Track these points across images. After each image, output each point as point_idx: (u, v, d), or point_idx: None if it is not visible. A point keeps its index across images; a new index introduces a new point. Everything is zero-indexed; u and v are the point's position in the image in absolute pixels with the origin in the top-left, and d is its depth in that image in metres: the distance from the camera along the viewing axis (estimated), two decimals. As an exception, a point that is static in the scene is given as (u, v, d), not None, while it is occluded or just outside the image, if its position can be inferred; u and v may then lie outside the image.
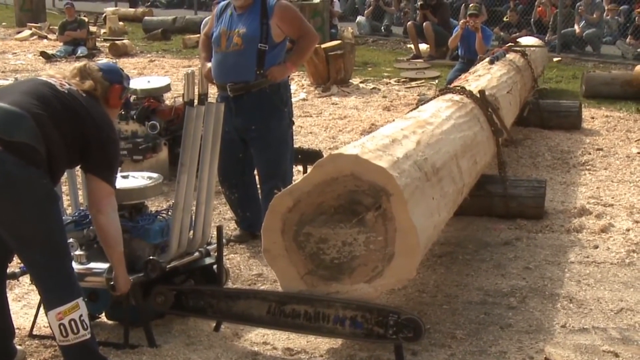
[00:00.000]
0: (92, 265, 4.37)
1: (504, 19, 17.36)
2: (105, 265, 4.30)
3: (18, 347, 4.35)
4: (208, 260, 4.81)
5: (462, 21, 13.02)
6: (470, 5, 13.79)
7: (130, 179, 4.70)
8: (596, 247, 6.10)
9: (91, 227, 4.42)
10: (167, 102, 8.32)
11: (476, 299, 5.20)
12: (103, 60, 15.24)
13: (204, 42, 6.41)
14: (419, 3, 16.81)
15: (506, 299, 5.19)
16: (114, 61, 13.11)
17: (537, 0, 17.10)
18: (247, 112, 5.91)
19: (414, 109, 6.49)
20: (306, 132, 9.96)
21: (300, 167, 7.64)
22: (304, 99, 12.27)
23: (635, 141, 9.34)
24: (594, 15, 16.03)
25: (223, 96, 6.00)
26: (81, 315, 3.86)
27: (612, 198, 7.30)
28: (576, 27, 16.06)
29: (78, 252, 4.38)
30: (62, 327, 3.82)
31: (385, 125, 5.75)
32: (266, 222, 4.41)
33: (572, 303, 5.12)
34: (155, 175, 4.82)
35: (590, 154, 8.82)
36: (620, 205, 7.07)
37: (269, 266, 4.65)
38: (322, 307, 4.26)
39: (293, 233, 4.36)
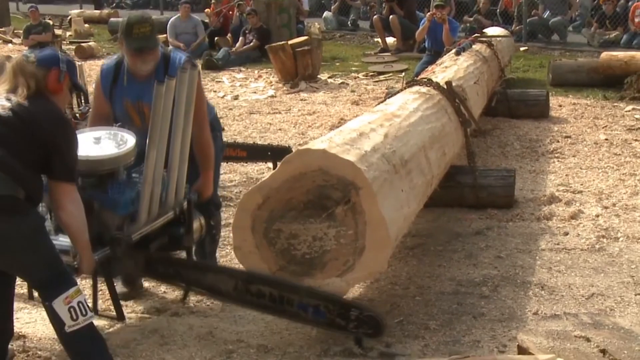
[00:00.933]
0: (61, 238, 4.28)
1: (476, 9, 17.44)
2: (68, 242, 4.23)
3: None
4: (181, 229, 4.77)
5: (429, 13, 13.05)
6: (437, -4, 13.84)
7: (103, 144, 4.57)
8: (566, 233, 6.14)
9: None
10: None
11: (449, 289, 5.21)
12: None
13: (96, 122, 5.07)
14: (385, -4, 16.84)
15: (478, 288, 5.21)
16: (80, 63, 13.00)
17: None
18: None
19: (382, 102, 6.50)
20: (275, 129, 9.95)
21: (270, 164, 7.64)
22: (272, 96, 12.25)
23: (603, 128, 9.40)
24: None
25: None
26: (85, 299, 3.95)
27: (581, 185, 7.35)
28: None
29: (47, 223, 4.29)
30: (72, 310, 3.85)
31: (353, 119, 5.75)
32: (236, 219, 4.41)
33: (543, 290, 5.15)
34: (128, 137, 4.65)
35: (558, 141, 8.87)
36: (589, 192, 7.12)
37: (240, 264, 4.64)
38: (288, 292, 4.27)
39: (263, 230, 4.36)
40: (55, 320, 3.89)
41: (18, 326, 4.78)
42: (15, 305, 5.05)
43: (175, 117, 4.54)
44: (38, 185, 3.91)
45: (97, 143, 4.57)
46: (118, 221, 4.48)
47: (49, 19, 19.90)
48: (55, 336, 4.60)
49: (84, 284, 4.94)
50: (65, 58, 4.17)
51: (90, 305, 4.04)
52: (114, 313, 4.65)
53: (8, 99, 3.88)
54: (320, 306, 4.23)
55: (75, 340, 3.94)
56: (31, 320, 4.91)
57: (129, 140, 4.63)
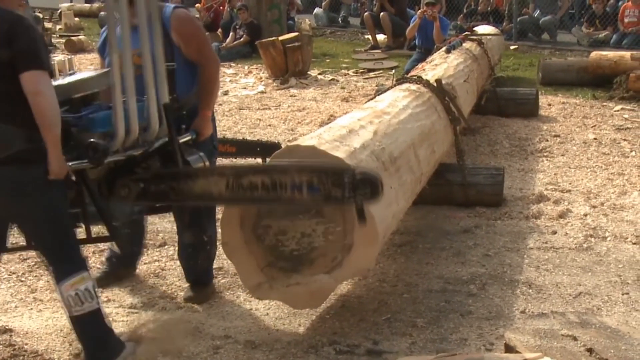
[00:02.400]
0: None
1: (465, 8, 17.43)
2: None
3: None
4: (160, 142, 4.54)
5: (420, 11, 13.06)
6: (428, -6, 13.86)
7: (77, 75, 4.55)
8: (554, 232, 6.15)
9: None
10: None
11: (436, 287, 5.21)
12: (59, 56, 15.09)
13: None
14: (376, -7, 16.85)
15: (466, 286, 5.21)
16: (70, 57, 12.99)
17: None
18: None
19: (372, 99, 6.49)
20: (265, 125, 9.94)
21: (259, 160, 7.62)
22: (262, 92, 12.24)
23: (592, 127, 9.43)
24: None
25: None
26: (92, 284, 4.08)
27: (570, 184, 7.37)
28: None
29: None
30: (76, 296, 4.00)
31: (343, 116, 5.75)
32: (224, 215, 4.40)
33: (531, 289, 5.16)
34: (105, 69, 4.59)
35: (547, 140, 8.88)
36: (577, 191, 7.14)
37: (229, 259, 4.63)
38: (278, 175, 4.11)
39: (252, 225, 4.36)
40: (64, 302, 4.06)
41: (4, 320, 4.78)
42: (1, 299, 5.08)
43: (140, 28, 4.34)
44: (30, 120, 3.87)
45: (72, 74, 4.58)
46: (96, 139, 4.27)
47: (39, 12, 19.81)
48: (42, 331, 4.63)
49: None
50: None
51: (96, 292, 4.10)
52: (106, 236, 4.55)
53: None
54: (313, 180, 4.08)
55: (82, 324, 4.08)
56: (18, 315, 4.90)
57: (104, 69, 4.56)
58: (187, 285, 5.25)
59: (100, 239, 4.62)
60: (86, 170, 4.21)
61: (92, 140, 4.15)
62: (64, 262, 4.05)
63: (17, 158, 3.83)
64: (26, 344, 4.49)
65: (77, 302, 4.01)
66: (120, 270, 5.41)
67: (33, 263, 5.57)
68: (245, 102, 11.44)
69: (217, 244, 5.09)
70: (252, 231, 4.36)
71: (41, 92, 3.85)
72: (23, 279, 5.46)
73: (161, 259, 5.77)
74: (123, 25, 4.21)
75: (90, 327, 4.10)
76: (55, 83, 4.08)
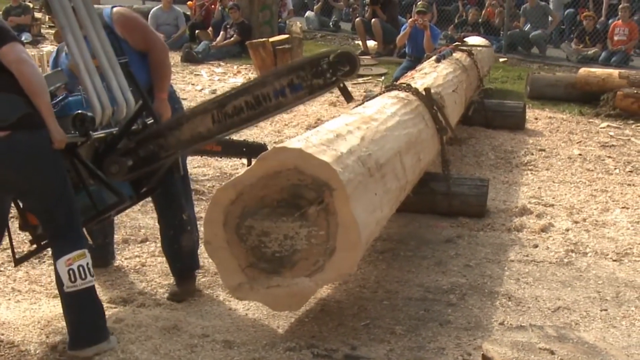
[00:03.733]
0: None
1: (456, 19, 17.45)
2: None
3: None
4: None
5: (411, 19, 13.08)
6: (419, 3, 13.87)
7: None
8: (536, 246, 6.17)
9: None
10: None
11: (416, 295, 5.22)
12: (47, 47, 15.04)
13: None
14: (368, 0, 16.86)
15: (446, 295, 5.22)
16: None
17: (487, 1, 17.22)
18: None
19: (360, 104, 6.49)
20: (251, 126, 9.91)
21: (244, 160, 7.62)
22: (250, 92, 12.22)
23: (577, 143, 9.46)
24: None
25: None
26: (88, 263, 4.15)
27: (553, 198, 7.39)
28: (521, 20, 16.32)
29: None
30: (71, 272, 4.09)
31: (331, 120, 5.75)
32: (208, 214, 4.39)
33: (510, 301, 5.17)
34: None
35: (532, 154, 8.92)
36: (560, 206, 7.16)
37: (210, 258, 4.62)
38: (259, 89, 4.27)
39: (235, 226, 4.35)
40: (57, 278, 4.13)
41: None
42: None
43: (79, 15, 4.49)
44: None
45: None
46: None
47: (29, 2, 19.73)
48: (19, 322, 4.60)
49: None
50: None
51: (92, 270, 4.17)
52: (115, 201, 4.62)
53: None
54: (293, 80, 4.23)
55: (73, 302, 4.15)
56: (-5, 304, 4.88)
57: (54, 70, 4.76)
58: (167, 282, 5.24)
59: (109, 208, 4.62)
60: (77, 148, 4.34)
61: (78, 112, 4.32)
62: (65, 236, 4.13)
63: (26, 122, 3.96)
64: (2, 335, 4.47)
65: (71, 279, 4.07)
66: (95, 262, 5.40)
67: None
68: (233, 101, 11.40)
69: (199, 227, 5.14)
70: (234, 231, 4.35)
71: (23, 60, 4.01)
72: (2, 269, 5.44)
73: (142, 255, 5.75)
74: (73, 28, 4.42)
75: (80, 305, 4.15)
76: None
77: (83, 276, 4.10)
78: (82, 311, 4.18)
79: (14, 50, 4.00)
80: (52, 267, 5.11)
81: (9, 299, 4.98)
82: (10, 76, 3.98)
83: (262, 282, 4.36)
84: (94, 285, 4.19)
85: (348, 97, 4.36)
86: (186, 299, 5.09)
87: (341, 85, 4.28)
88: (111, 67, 4.58)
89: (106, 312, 4.72)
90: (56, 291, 4.76)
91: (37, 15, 18.93)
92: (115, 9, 5.08)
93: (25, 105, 3.97)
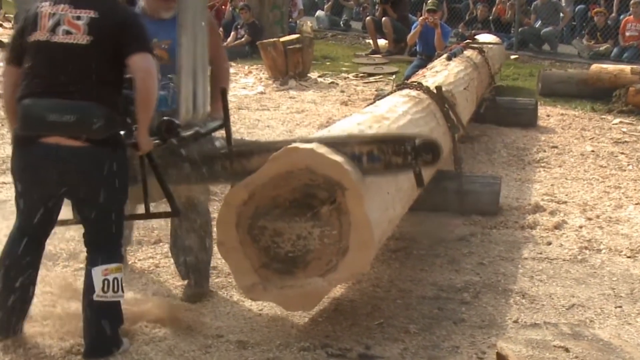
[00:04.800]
0: None
1: (467, 16, 17.41)
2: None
3: None
4: (212, 125, 4.70)
5: (421, 18, 13.06)
6: (429, 1, 13.85)
7: None
8: (549, 243, 6.15)
9: None
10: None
11: (430, 294, 5.21)
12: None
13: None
14: (378, -2, 16.86)
15: (460, 294, 5.21)
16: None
17: (497, -1, 17.21)
18: None
19: (371, 103, 6.49)
20: (263, 126, 9.94)
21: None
22: (261, 93, 12.25)
23: (590, 139, 9.44)
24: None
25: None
26: (122, 279, 4.14)
27: (566, 195, 7.37)
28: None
29: None
30: (106, 282, 4.07)
31: (342, 119, 5.75)
32: (220, 215, 4.39)
33: (524, 299, 5.16)
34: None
35: (545, 151, 8.89)
36: (573, 203, 7.14)
37: (223, 259, 4.62)
38: (337, 146, 4.28)
39: (247, 226, 4.35)
40: (88, 284, 4.11)
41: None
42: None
43: (194, 14, 4.56)
44: (118, 89, 4.11)
45: None
46: (157, 118, 4.38)
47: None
48: (33, 324, 4.60)
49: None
50: None
51: (124, 286, 4.16)
52: (167, 210, 4.59)
53: (78, 17, 4.03)
54: (374, 151, 4.23)
55: (98, 311, 4.12)
56: None
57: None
58: (180, 283, 5.25)
59: (159, 215, 4.66)
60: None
61: (165, 118, 4.34)
62: (106, 247, 4.14)
63: (112, 141, 4.01)
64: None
65: (103, 289, 4.06)
66: None
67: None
68: (245, 102, 11.43)
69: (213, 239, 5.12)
70: (247, 232, 4.36)
71: (151, 73, 4.06)
72: None
73: (155, 256, 5.76)
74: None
75: (105, 317, 4.14)
76: None
77: (116, 289, 4.09)
78: (104, 322, 4.15)
79: (144, 60, 4.03)
80: (66, 270, 5.15)
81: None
82: (113, 89, 4.04)
83: (275, 283, 4.37)
84: (121, 302, 4.19)
85: (420, 182, 4.34)
86: (200, 299, 5.09)
87: (417, 170, 4.26)
88: (202, 72, 4.62)
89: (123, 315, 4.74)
90: (70, 293, 4.78)
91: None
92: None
93: (117, 123, 4.02)
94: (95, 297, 4.08)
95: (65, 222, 4.48)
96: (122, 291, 4.14)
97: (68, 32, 4.01)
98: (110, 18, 4.04)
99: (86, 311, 4.17)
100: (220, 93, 4.58)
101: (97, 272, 4.06)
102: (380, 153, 4.23)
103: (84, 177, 4.04)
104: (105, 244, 4.16)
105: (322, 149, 4.26)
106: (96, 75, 3.98)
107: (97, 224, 4.19)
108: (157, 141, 4.30)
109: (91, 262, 4.14)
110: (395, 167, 4.25)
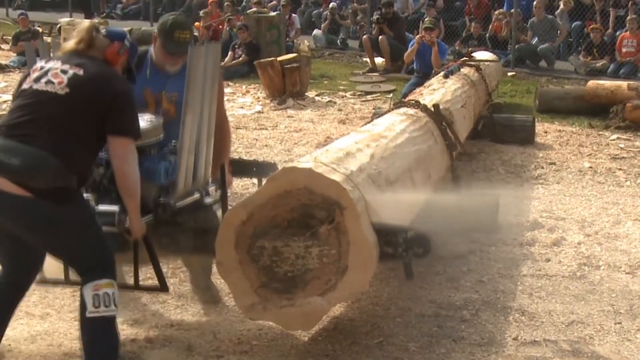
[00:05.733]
0: (102, 207, 4.33)
1: (464, 33, 17.46)
2: (114, 208, 4.29)
3: None
4: (209, 200, 4.80)
5: (418, 35, 13.11)
6: (426, 19, 13.91)
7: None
8: (548, 260, 6.15)
9: (97, 169, 4.41)
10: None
11: (429, 311, 5.21)
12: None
13: None
14: (375, 17, 16.89)
15: (459, 311, 5.21)
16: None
17: (494, 16, 17.23)
18: None
19: (369, 122, 6.51)
20: (261, 145, 9.95)
21: (255, 180, 7.62)
22: (259, 112, 12.26)
23: (587, 156, 9.45)
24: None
25: None
26: (114, 293, 4.07)
27: (564, 212, 7.38)
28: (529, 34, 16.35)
29: (85, 195, 4.30)
30: (96, 297, 4.01)
31: (340, 138, 5.76)
32: (219, 235, 4.39)
33: (524, 316, 5.16)
34: (154, 117, 4.76)
35: (543, 168, 8.91)
36: (572, 219, 7.15)
37: (223, 279, 4.62)
38: None
39: (246, 246, 4.35)
40: (81, 303, 4.06)
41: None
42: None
43: (202, 89, 4.63)
44: (90, 165, 4.12)
45: None
46: (155, 191, 4.53)
47: (39, 26, 19.85)
48: (33, 345, 4.61)
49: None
50: (132, 42, 4.37)
51: (117, 301, 4.10)
52: (156, 284, 4.67)
53: (64, 71, 4.03)
54: None
55: (91, 327, 4.07)
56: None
57: (155, 118, 4.73)
58: (180, 303, 5.25)
59: (147, 288, 4.75)
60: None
61: (161, 199, 4.46)
62: (95, 268, 4.06)
63: (57, 195, 3.86)
64: (17, 357, 4.47)
65: (94, 304, 4.00)
66: None
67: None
68: (242, 121, 11.45)
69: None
70: (246, 252, 4.36)
71: (128, 161, 4.06)
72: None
73: (154, 277, 5.74)
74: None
75: (98, 332, 4.08)
76: None
77: (107, 304, 4.02)
78: (99, 339, 4.10)
79: (123, 147, 4.04)
80: (66, 291, 5.15)
81: (23, 323, 4.99)
82: (79, 145, 3.96)
83: (274, 302, 4.36)
84: (115, 317, 4.13)
85: (409, 274, 4.44)
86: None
87: (407, 261, 4.31)
88: (207, 143, 4.73)
89: (119, 333, 4.74)
90: (70, 315, 4.79)
91: (47, 39, 19.00)
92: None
93: (65, 176, 3.89)
94: (88, 314, 4.03)
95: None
96: (115, 306, 4.06)
97: (49, 82, 4.02)
98: (98, 81, 4.03)
99: (81, 330, 4.14)
100: (219, 168, 4.71)
101: (88, 289, 4.01)
102: None
103: (22, 226, 3.94)
104: (94, 268, 4.07)
105: (321, 169, 4.28)
106: (64, 128, 3.92)
107: (72, 262, 4.20)
108: (150, 219, 4.39)
109: (82, 282, 4.10)
110: (385, 256, 4.32)
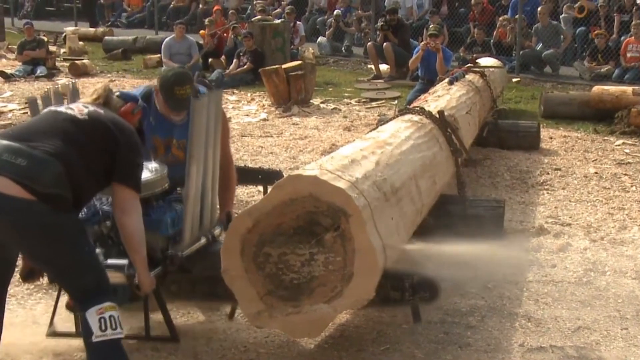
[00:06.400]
0: (111, 261, 4.36)
1: (468, 39, 17.46)
2: (124, 261, 4.32)
3: None
4: (217, 247, 4.79)
5: (422, 42, 13.11)
6: (431, 26, 13.91)
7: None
8: (554, 266, 6.15)
9: (104, 223, 4.47)
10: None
11: (435, 318, 5.21)
12: (63, 80, 15.17)
13: None
14: (379, 24, 16.90)
15: (465, 318, 5.21)
16: (74, 81, 13.00)
17: (498, 22, 17.24)
18: None
19: (374, 129, 6.51)
20: (267, 153, 9.96)
21: (260, 187, 7.63)
22: (264, 119, 12.27)
23: (593, 161, 9.44)
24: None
25: None
26: (118, 316, 4.01)
27: (570, 217, 7.37)
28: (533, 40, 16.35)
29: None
30: (102, 320, 3.94)
31: (345, 145, 5.77)
32: (225, 243, 4.40)
33: (530, 322, 5.16)
34: (159, 166, 4.82)
35: (548, 173, 8.90)
36: (577, 225, 7.14)
37: (229, 287, 4.62)
38: None
39: (252, 254, 4.35)
40: (85, 328, 3.98)
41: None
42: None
43: (207, 137, 4.71)
44: (89, 193, 4.12)
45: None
46: (162, 242, 4.60)
47: (44, 36, 19.90)
48: (40, 355, 4.60)
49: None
50: (143, 103, 4.57)
51: (121, 323, 4.05)
52: (166, 334, 4.71)
53: (86, 106, 4.17)
54: None
55: (100, 352, 4.00)
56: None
57: (161, 168, 4.80)
58: (187, 311, 5.26)
59: (158, 338, 4.74)
60: None
61: (169, 251, 4.52)
62: (92, 291, 3.99)
63: (56, 201, 3.85)
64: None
65: (101, 328, 3.94)
66: None
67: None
68: (248, 129, 11.46)
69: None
70: (252, 260, 4.36)
71: (131, 215, 4.12)
72: (22, 302, 5.46)
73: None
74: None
75: (109, 356, 4.02)
76: None
77: (114, 326, 3.95)
78: None
79: (126, 198, 4.11)
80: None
81: (28, 332, 5.00)
82: (79, 158, 3.97)
83: (280, 310, 4.37)
84: (121, 339, 4.07)
85: (417, 317, 4.49)
86: None
87: (415, 305, 4.34)
88: (212, 189, 4.83)
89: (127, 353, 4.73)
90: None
91: (52, 48, 19.08)
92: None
93: (65, 186, 3.89)
94: (94, 339, 3.94)
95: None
96: (121, 328, 4.01)
97: (69, 109, 4.17)
98: (115, 123, 4.16)
99: (89, 356, 4.07)
100: (225, 215, 4.86)
101: (92, 314, 3.94)
102: (379, 287, 4.28)
103: (19, 231, 3.87)
104: (90, 290, 4.01)
105: (326, 176, 4.28)
106: (73, 144, 3.98)
107: (68, 279, 4.09)
108: (159, 272, 4.45)
109: (82, 308, 4.01)
110: (393, 301, 4.37)
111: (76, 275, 4.00)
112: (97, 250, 4.35)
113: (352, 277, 4.24)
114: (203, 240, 4.82)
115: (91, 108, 4.16)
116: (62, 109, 4.16)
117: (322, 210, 4.23)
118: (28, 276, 4.58)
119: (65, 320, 4.81)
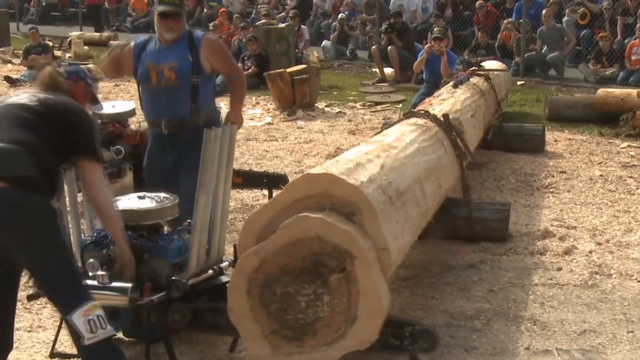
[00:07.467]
0: (115, 284, 4.35)
1: (473, 41, 17.46)
2: (127, 285, 4.32)
3: None
4: (224, 279, 4.82)
5: (427, 45, 13.12)
6: (435, 29, 13.92)
7: (147, 200, 4.79)
8: (559, 269, 6.14)
9: (111, 247, 4.44)
10: (132, 127, 8.24)
11: (441, 321, 5.21)
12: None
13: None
14: (383, 27, 16.91)
15: (471, 321, 5.21)
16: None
17: (502, 25, 17.24)
18: (183, 147, 5.80)
19: (379, 132, 6.51)
20: (272, 156, 9.97)
21: (265, 192, 7.63)
22: (269, 123, 12.29)
23: (598, 164, 9.44)
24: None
25: (156, 133, 5.95)
26: (104, 314, 3.95)
27: (575, 220, 7.37)
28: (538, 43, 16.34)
29: (99, 272, 4.33)
30: (91, 322, 3.87)
31: (350, 149, 5.76)
32: (232, 281, 4.33)
33: (535, 325, 5.15)
34: (170, 195, 4.87)
35: (553, 176, 8.90)
36: (583, 228, 7.14)
37: (234, 325, 4.56)
38: None
39: (258, 293, 4.28)
40: (74, 333, 3.91)
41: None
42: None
43: (218, 169, 4.74)
44: (56, 170, 4.08)
45: (142, 199, 4.82)
46: (168, 269, 4.59)
47: (49, 40, 19.94)
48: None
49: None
50: (90, 75, 4.60)
51: (107, 321, 3.99)
52: None
53: (34, 95, 4.19)
54: None
55: (95, 354, 3.94)
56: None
57: (172, 198, 4.86)
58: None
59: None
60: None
61: (174, 278, 4.51)
62: (72, 293, 3.93)
63: (25, 183, 3.81)
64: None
65: (91, 330, 3.87)
66: None
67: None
68: (253, 133, 11.47)
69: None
70: (258, 298, 4.30)
71: (98, 188, 4.16)
72: (27, 306, 5.45)
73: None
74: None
75: (103, 356, 3.98)
76: (130, 206, 4.62)
77: (103, 325, 3.88)
78: None
79: (91, 172, 4.14)
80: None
81: (33, 336, 5.00)
82: (34, 134, 3.97)
83: (284, 349, 4.30)
84: (113, 335, 4.03)
85: None
86: None
87: (413, 354, 4.36)
88: (221, 222, 4.85)
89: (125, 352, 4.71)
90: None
91: (57, 53, 19.10)
92: (206, 35, 6.06)
93: (32, 167, 3.86)
94: (86, 342, 3.87)
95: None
96: (110, 326, 3.94)
97: (20, 98, 4.17)
98: (65, 101, 4.20)
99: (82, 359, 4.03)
100: (234, 248, 4.72)
101: (77, 316, 3.85)
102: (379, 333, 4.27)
103: None
104: (70, 290, 3.94)
105: (332, 218, 4.24)
106: (28, 126, 3.99)
107: (47, 276, 3.98)
108: (162, 295, 4.45)
109: (64, 311, 3.94)
110: (391, 347, 4.33)
111: (50, 263, 3.90)
112: (103, 273, 4.34)
113: (355, 320, 4.18)
114: (210, 272, 4.80)
115: (40, 95, 4.16)
116: (11, 100, 4.17)
117: (328, 252, 4.17)
118: (32, 297, 4.57)
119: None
